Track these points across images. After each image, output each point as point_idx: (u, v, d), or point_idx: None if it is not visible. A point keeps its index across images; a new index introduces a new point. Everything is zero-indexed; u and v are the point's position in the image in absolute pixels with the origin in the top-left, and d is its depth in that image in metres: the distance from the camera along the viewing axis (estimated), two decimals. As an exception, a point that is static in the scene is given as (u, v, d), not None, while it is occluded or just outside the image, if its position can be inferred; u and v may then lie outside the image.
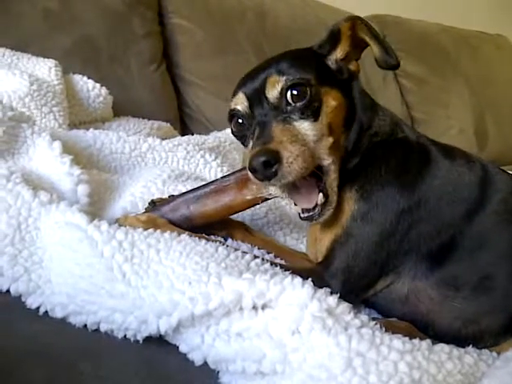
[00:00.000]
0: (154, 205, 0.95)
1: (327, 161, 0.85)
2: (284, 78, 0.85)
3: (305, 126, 0.84)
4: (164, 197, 1.00)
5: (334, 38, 0.92)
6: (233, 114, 0.92)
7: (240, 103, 0.90)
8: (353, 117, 0.92)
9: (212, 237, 0.91)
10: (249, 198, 0.91)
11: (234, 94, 0.92)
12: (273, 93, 0.86)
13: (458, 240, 0.85)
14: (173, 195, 0.97)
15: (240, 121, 0.91)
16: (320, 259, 0.88)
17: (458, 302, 0.84)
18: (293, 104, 0.85)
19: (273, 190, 0.86)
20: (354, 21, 0.90)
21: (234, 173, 0.96)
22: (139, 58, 1.93)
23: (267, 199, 0.92)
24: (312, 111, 0.85)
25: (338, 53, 0.92)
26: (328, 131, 0.86)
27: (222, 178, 0.95)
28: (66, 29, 1.78)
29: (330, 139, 0.86)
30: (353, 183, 0.88)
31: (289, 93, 0.85)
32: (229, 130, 1.94)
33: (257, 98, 0.87)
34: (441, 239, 0.85)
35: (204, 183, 0.98)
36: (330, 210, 0.85)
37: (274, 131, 0.82)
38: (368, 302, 0.90)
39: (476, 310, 0.84)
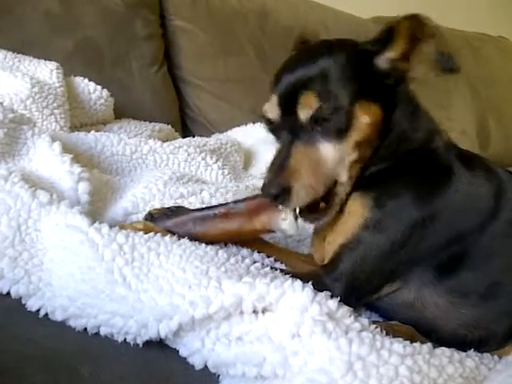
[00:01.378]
0: (151, 217, 0.92)
1: (343, 178, 0.84)
2: (319, 103, 0.80)
3: (328, 149, 0.82)
4: (163, 205, 0.98)
5: (390, 35, 0.85)
6: (263, 116, 0.89)
7: (271, 111, 0.86)
8: (388, 127, 0.87)
9: None
10: (257, 228, 0.88)
11: (272, 89, 0.87)
12: (304, 113, 0.81)
13: (470, 249, 0.84)
14: (169, 207, 0.95)
15: (270, 123, 0.89)
16: (326, 261, 0.87)
17: (465, 309, 0.83)
18: (320, 126, 0.82)
19: (282, 224, 0.85)
20: (415, 18, 0.84)
21: (245, 199, 0.92)
22: (141, 60, 1.93)
23: (274, 231, 0.90)
24: (338, 132, 0.82)
25: (393, 51, 0.85)
26: (353, 149, 0.83)
27: (233, 202, 0.92)
28: (68, 31, 1.78)
29: (354, 156, 0.84)
30: (370, 190, 0.86)
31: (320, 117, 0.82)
32: (230, 132, 1.95)
33: (289, 106, 0.83)
34: (452, 250, 0.84)
35: (214, 205, 0.95)
36: (332, 213, 0.85)
37: (293, 155, 0.81)
38: (370, 305, 0.89)
39: (483, 316, 0.83)
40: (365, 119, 0.83)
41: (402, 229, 0.83)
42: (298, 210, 0.84)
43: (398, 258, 0.83)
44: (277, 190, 0.79)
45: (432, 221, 0.83)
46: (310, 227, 0.98)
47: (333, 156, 0.82)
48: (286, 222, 0.85)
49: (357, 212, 0.85)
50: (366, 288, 0.84)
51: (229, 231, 0.89)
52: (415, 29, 0.84)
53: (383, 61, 0.86)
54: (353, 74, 0.84)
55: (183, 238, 0.83)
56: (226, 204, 0.92)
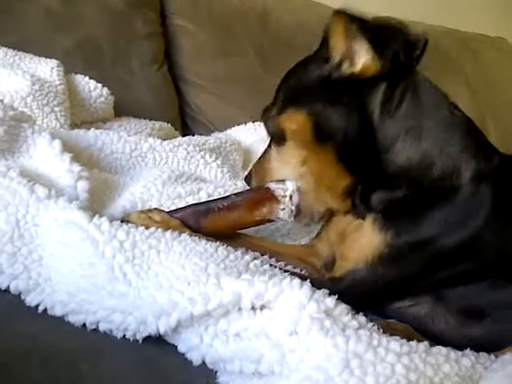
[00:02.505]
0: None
1: (290, 178, 0.90)
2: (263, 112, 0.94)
3: (272, 152, 0.94)
4: (161, 206, 0.98)
5: (325, 40, 0.85)
6: None
7: None
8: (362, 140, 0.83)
9: None
10: (257, 218, 0.92)
11: None
12: None
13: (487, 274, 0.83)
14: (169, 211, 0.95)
15: None
16: (334, 273, 0.88)
17: (475, 329, 0.82)
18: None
19: (281, 214, 0.90)
20: (339, 15, 0.82)
21: (248, 191, 0.98)
22: (141, 58, 1.93)
23: (273, 220, 0.94)
24: (275, 137, 0.92)
25: (332, 55, 0.84)
26: (294, 154, 0.89)
27: (233, 195, 0.95)
28: (68, 29, 1.78)
29: (297, 160, 0.88)
30: (388, 219, 0.83)
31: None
32: (230, 131, 1.95)
33: None
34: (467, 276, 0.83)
35: (216, 198, 0.98)
36: (306, 220, 0.91)
37: (263, 154, 0.98)
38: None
39: (492, 339, 0.80)
40: (292, 126, 0.87)
41: (418, 265, 0.82)
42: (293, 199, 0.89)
43: (411, 284, 0.83)
44: (244, 179, 1.02)
45: (449, 258, 0.81)
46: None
47: (275, 158, 0.93)
48: (284, 212, 0.89)
49: (373, 241, 0.83)
50: (372, 303, 0.84)
51: (231, 223, 0.91)
52: (345, 26, 0.82)
53: (328, 66, 0.85)
54: (289, 86, 0.91)
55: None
56: (228, 197, 0.95)
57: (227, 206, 0.91)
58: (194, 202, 0.98)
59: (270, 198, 0.90)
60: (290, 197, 0.89)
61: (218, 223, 0.90)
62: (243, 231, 0.98)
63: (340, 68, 0.83)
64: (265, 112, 0.94)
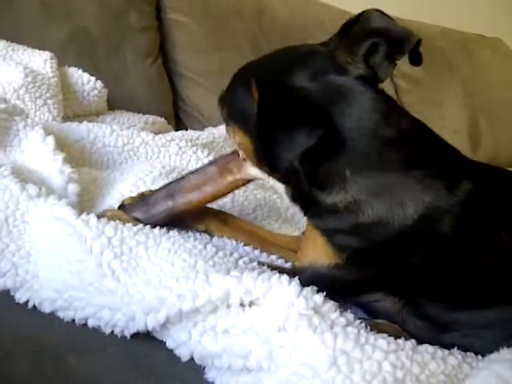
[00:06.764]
0: (124, 207, 0.92)
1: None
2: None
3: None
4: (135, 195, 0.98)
5: None
6: None
7: None
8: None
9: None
10: (230, 179, 0.91)
11: None
12: None
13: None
14: (142, 194, 0.96)
15: None
16: (297, 260, 0.87)
17: (446, 337, 0.78)
18: None
19: (251, 169, 0.87)
20: None
21: (216, 160, 0.96)
22: (135, 52, 1.92)
23: (249, 181, 0.93)
24: None
25: None
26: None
27: (206, 165, 0.96)
28: (62, 21, 1.77)
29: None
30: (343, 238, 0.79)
31: None
32: (223, 126, 1.95)
33: None
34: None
35: (187, 173, 0.98)
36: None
37: None
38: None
39: (465, 349, 0.76)
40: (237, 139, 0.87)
41: (375, 271, 0.80)
42: None
43: (370, 288, 0.82)
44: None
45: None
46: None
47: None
48: (254, 167, 0.86)
49: (325, 252, 0.80)
50: (332, 298, 0.74)
51: (206, 196, 0.91)
52: None
53: None
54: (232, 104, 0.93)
55: (163, 212, 0.88)
56: (199, 169, 0.96)
57: (199, 180, 0.91)
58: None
59: (237, 156, 0.89)
60: None
61: (193, 198, 0.90)
62: (235, 215, 0.98)
63: None
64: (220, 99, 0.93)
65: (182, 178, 0.95)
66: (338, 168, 0.76)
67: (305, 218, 0.88)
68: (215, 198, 0.94)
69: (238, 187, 0.94)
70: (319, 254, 0.81)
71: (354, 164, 0.76)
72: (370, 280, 0.82)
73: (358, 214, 0.76)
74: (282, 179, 0.84)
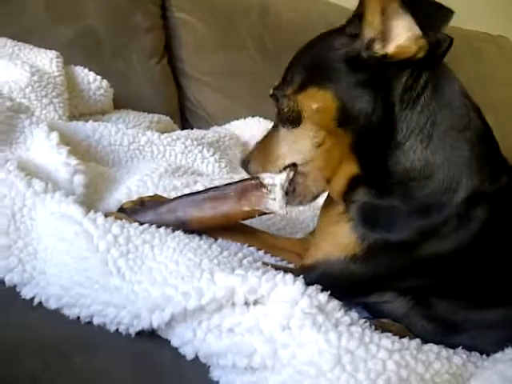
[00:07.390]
0: (123, 210, 0.91)
1: (299, 161, 0.84)
2: (274, 92, 0.85)
3: (282, 132, 0.86)
4: (136, 199, 0.97)
5: (359, 14, 0.77)
6: None
7: None
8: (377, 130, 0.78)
9: None
10: (246, 209, 0.87)
11: None
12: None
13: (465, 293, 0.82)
14: (142, 200, 0.95)
15: None
16: (307, 258, 0.87)
17: (454, 340, 0.79)
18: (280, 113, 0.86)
19: (271, 204, 0.85)
20: None
21: (236, 182, 0.91)
22: (141, 51, 1.93)
23: (264, 213, 0.89)
24: (289, 117, 0.83)
25: (365, 31, 0.76)
26: (309, 135, 0.82)
27: (224, 185, 0.92)
28: (68, 20, 1.78)
29: (311, 142, 0.82)
30: (368, 223, 0.81)
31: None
32: (229, 125, 1.95)
33: None
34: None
35: (204, 189, 0.96)
36: (301, 201, 0.86)
37: (265, 136, 0.91)
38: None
39: (471, 348, 0.78)
40: (313, 106, 0.80)
41: (389, 268, 0.80)
42: (284, 189, 0.84)
43: (379, 287, 0.82)
44: (241, 162, 0.93)
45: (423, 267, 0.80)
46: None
47: (285, 140, 0.85)
48: (274, 202, 0.84)
49: (347, 237, 0.81)
50: (338, 297, 0.75)
51: (219, 214, 0.88)
52: (384, 2, 0.74)
53: (357, 44, 0.78)
54: (309, 62, 0.83)
55: (174, 223, 0.85)
56: (216, 187, 0.92)
57: (214, 196, 0.88)
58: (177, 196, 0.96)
59: (259, 186, 0.85)
60: (282, 186, 0.84)
61: (205, 214, 0.88)
62: None
63: (371, 47, 0.76)
64: (275, 90, 0.86)
65: (199, 192, 0.92)
66: (424, 117, 0.78)
67: (314, 214, 0.89)
68: (227, 220, 0.90)
69: (251, 218, 0.92)
70: (338, 243, 0.82)
71: (445, 116, 0.79)
72: (385, 276, 0.82)
73: (428, 180, 0.78)
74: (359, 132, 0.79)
